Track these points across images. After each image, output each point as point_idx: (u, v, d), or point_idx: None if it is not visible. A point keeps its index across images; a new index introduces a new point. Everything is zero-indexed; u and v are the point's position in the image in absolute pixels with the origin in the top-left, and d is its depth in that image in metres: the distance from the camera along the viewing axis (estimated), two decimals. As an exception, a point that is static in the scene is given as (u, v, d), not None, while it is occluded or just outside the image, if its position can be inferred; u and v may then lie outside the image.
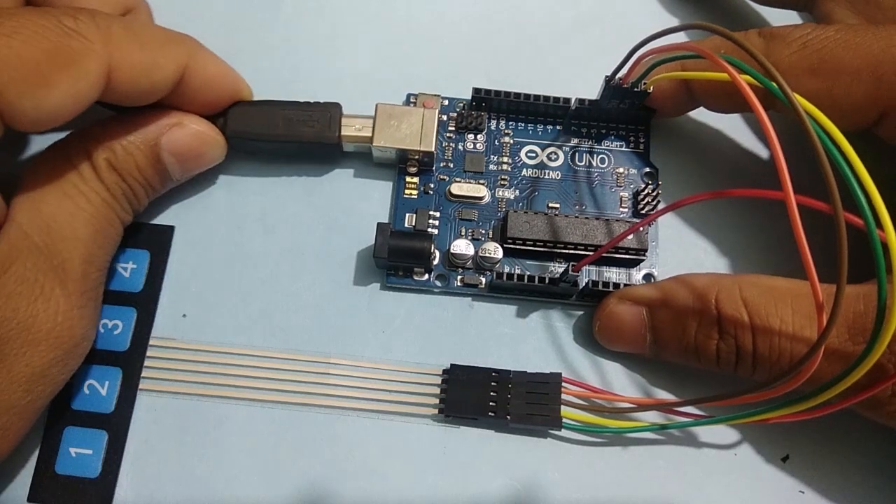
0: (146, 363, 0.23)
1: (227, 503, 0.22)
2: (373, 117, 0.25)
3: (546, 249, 0.24)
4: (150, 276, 0.24)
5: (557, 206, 0.26)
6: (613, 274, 0.25)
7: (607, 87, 0.24)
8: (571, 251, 0.24)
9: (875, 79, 0.20)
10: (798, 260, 0.17)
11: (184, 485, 0.22)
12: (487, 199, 0.25)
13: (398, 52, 0.28)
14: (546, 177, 0.26)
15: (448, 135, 0.26)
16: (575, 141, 0.27)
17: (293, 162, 0.26)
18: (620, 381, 0.24)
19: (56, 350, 0.19)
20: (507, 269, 0.25)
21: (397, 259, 0.24)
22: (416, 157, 0.25)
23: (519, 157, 0.26)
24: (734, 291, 0.21)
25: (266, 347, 0.24)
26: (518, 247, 0.24)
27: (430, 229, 0.25)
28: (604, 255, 0.24)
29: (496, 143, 0.26)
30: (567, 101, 0.26)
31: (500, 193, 0.26)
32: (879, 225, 0.16)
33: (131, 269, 0.24)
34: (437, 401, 0.23)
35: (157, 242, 0.25)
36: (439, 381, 0.23)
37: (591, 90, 0.25)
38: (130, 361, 0.23)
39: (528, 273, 0.24)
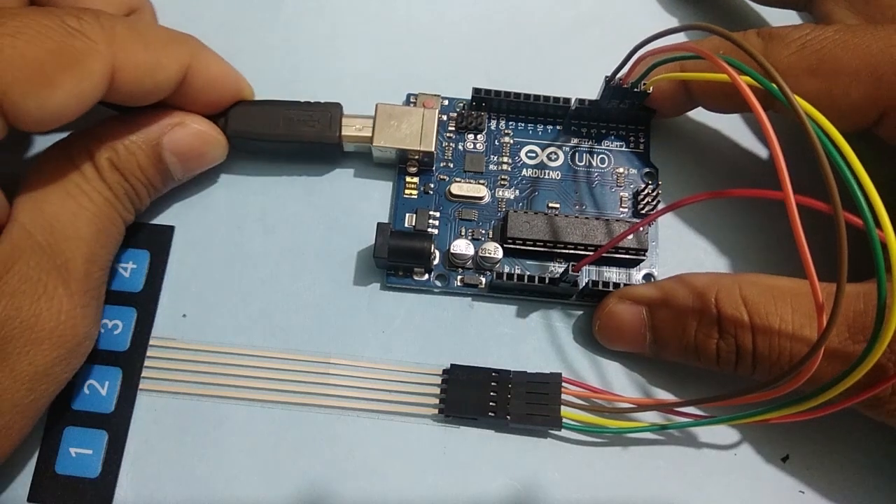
0: (146, 363, 0.23)
1: (227, 503, 0.22)
2: (373, 117, 0.25)
3: (546, 249, 0.24)
4: (150, 276, 0.24)
5: (557, 206, 0.26)
6: (613, 274, 0.25)
7: (607, 87, 0.24)
8: (571, 251, 0.24)
9: (874, 79, 0.20)
10: (798, 260, 0.17)
11: (184, 485, 0.22)
12: (487, 199, 0.25)
13: (398, 52, 0.28)
14: (546, 177, 0.26)
15: (448, 135, 0.26)
16: (575, 141, 0.27)
17: (294, 162, 0.26)
18: (620, 380, 0.24)
19: (59, 349, 0.19)
20: (507, 269, 0.25)
21: (397, 259, 0.24)
22: (416, 157, 0.25)
23: (519, 157, 0.26)
24: (734, 290, 0.21)
25: (266, 347, 0.24)
26: (518, 247, 0.24)
27: (430, 229, 0.25)
28: (604, 255, 0.24)
29: (496, 143, 0.26)
30: (567, 101, 0.26)
31: (500, 193, 0.26)
32: (879, 225, 0.16)
33: (131, 269, 0.24)
34: (437, 401, 0.23)
35: (157, 242, 0.25)
36: (439, 381, 0.23)
37: (591, 90, 0.25)
38: (130, 361, 0.23)
39: (528, 273, 0.24)
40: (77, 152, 0.21)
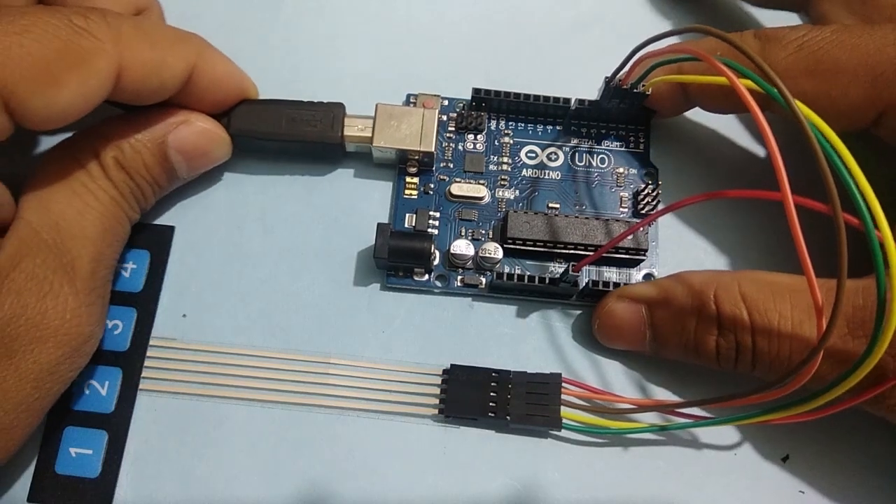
0: (146, 363, 0.23)
1: (226, 503, 0.22)
2: (373, 118, 0.25)
3: (546, 249, 0.24)
4: (150, 276, 0.24)
5: (557, 206, 0.26)
6: (613, 274, 0.25)
7: (607, 87, 0.24)
8: (571, 251, 0.24)
9: (872, 79, 0.20)
10: (798, 260, 0.17)
11: (184, 485, 0.22)
12: (487, 199, 0.25)
13: (398, 52, 0.28)
14: (546, 177, 0.26)
15: (448, 135, 0.26)
16: (575, 141, 0.27)
17: (295, 161, 0.26)
18: (620, 380, 0.24)
19: (64, 347, 0.19)
20: (507, 270, 0.25)
21: (397, 259, 0.24)
22: (416, 157, 0.25)
23: (519, 157, 0.26)
24: (733, 287, 0.21)
25: (266, 347, 0.24)
26: (518, 247, 0.24)
27: (430, 229, 0.25)
28: (604, 255, 0.24)
29: (496, 143, 0.26)
30: (567, 101, 0.26)
31: (500, 193, 0.26)
32: (876, 225, 0.16)
33: (131, 269, 0.24)
34: (437, 401, 0.23)
35: (157, 242, 0.25)
36: (439, 381, 0.23)
37: (591, 90, 0.25)
38: (130, 361, 0.23)
39: (528, 273, 0.24)
40: (83, 151, 0.21)
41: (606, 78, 0.24)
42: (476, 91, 0.26)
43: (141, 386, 0.23)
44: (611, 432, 0.23)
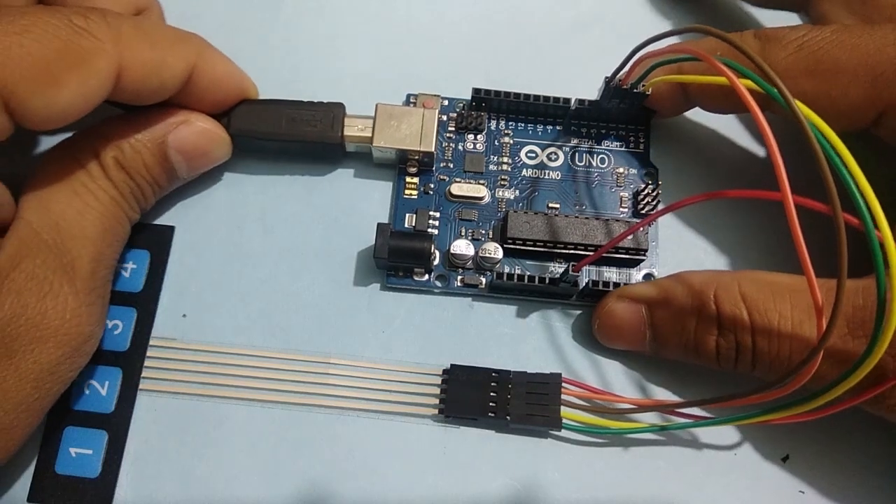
0: (146, 363, 0.23)
1: (226, 503, 0.22)
2: (373, 118, 0.25)
3: (546, 249, 0.24)
4: (150, 276, 0.24)
5: (557, 206, 0.26)
6: (613, 274, 0.25)
7: (607, 87, 0.24)
8: (571, 251, 0.24)
9: (872, 79, 0.20)
10: (798, 260, 0.17)
11: (184, 485, 0.22)
12: (487, 199, 0.25)
13: (398, 52, 0.28)
14: (546, 177, 0.26)
15: (448, 135, 0.26)
16: (575, 141, 0.27)
17: (295, 161, 0.26)
18: (620, 380, 0.24)
19: (64, 347, 0.19)
20: (507, 270, 0.25)
21: (397, 259, 0.24)
22: (416, 157, 0.25)
23: (519, 157, 0.26)
24: (733, 287, 0.21)
25: (266, 347, 0.24)
26: (518, 247, 0.24)
27: (430, 229, 0.25)
28: (604, 255, 0.24)
29: (496, 143, 0.26)
30: (567, 101, 0.26)
31: (500, 193, 0.26)
32: (876, 226, 0.16)
33: (131, 269, 0.24)
34: (437, 401, 0.23)
35: (157, 242, 0.25)
36: (439, 381, 0.23)
37: (591, 90, 0.25)
38: (130, 361, 0.23)
39: (528, 273, 0.24)
40: (83, 151, 0.21)
41: (606, 78, 0.24)
42: (476, 91, 0.26)
43: (141, 386, 0.23)
44: (611, 432, 0.23)
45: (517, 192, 0.26)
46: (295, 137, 0.24)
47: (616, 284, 0.23)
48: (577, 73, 0.28)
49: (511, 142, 0.26)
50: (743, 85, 0.18)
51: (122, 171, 0.21)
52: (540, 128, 0.27)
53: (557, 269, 0.25)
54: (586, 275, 0.25)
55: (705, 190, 0.21)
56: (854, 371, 0.17)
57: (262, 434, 0.23)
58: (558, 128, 0.27)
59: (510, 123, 0.27)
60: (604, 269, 0.25)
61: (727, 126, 0.27)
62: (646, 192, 0.25)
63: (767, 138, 0.17)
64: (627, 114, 0.26)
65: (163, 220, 0.25)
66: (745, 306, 0.20)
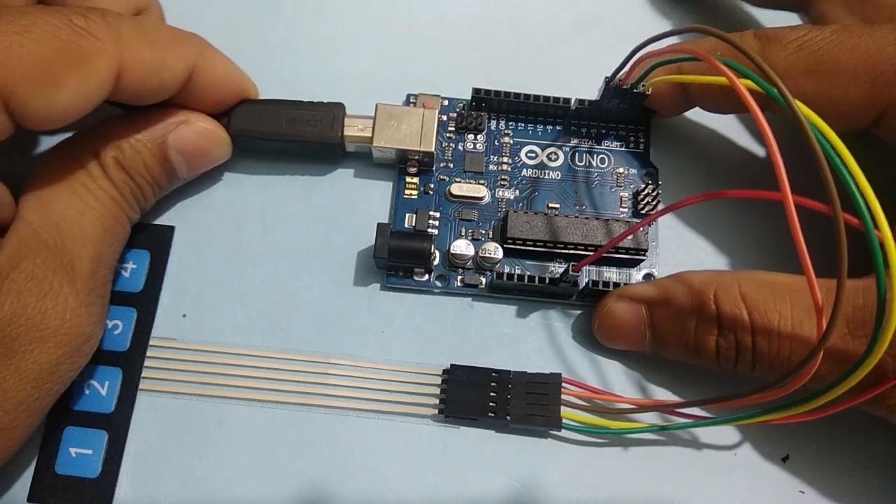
0: (146, 363, 0.23)
1: (226, 503, 0.22)
2: (373, 118, 0.25)
3: (546, 249, 0.24)
4: (150, 276, 0.24)
5: (557, 206, 0.26)
6: (613, 274, 0.25)
7: (607, 87, 0.24)
8: (571, 251, 0.24)
9: (872, 79, 0.20)
10: (798, 260, 0.17)
11: (184, 485, 0.22)
12: (487, 199, 0.25)
13: (398, 52, 0.28)
14: (546, 177, 0.26)
15: (448, 135, 0.26)
16: (575, 141, 0.27)
17: (295, 161, 0.26)
18: (620, 380, 0.24)
19: (64, 347, 0.19)
20: (507, 270, 0.25)
21: (397, 259, 0.24)
22: (416, 157, 0.25)
23: (519, 157, 0.26)
24: (733, 287, 0.21)
25: (266, 347, 0.24)
26: (518, 247, 0.24)
27: (430, 229, 0.25)
28: (604, 255, 0.24)
29: (496, 143, 0.26)
30: (567, 101, 0.26)
31: (500, 193, 0.26)
32: (876, 226, 0.16)
33: (131, 269, 0.24)
34: (437, 401, 0.23)
35: (157, 242, 0.25)
36: (439, 382, 0.23)
37: (591, 90, 0.25)
38: (130, 361, 0.23)
39: (528, 273, 0.24)
40: (83, 151, 0.21)
41: (606, 78, 0.24)
42: (476, 91, 0.26)
43: (141, 386, 0.23)
44: (611, 432, 0.23)
45: (517, 192, 0.26)
46: (295, 137, 0.24)
47: (616, 284, 0.23)
48: (577, 73, 0.28)
49: (511, 142, 0.26)
50: (743, 85, 0.18)
51: (122, 171, 0.21)
52: (540, 128, 0.27)
53: (557, 269, 0.25)
54: (586, 275, 0.25)
55: (705, 190, 0.21)
56: (854, 371, 0.17)
57: (262, 434, 0.23)
58: (558, 128, 0.27)
59: (510, 123, 0.27)
60: (604, 269, 0.25)
61: (727, 126, 0.27)
62: (646, 192, 0.25)
63: (767, 138, 0.17)
64: (627, 114, 0.26)
65: (163, 220, 0.25)
66: (745, 306, 0.20)
